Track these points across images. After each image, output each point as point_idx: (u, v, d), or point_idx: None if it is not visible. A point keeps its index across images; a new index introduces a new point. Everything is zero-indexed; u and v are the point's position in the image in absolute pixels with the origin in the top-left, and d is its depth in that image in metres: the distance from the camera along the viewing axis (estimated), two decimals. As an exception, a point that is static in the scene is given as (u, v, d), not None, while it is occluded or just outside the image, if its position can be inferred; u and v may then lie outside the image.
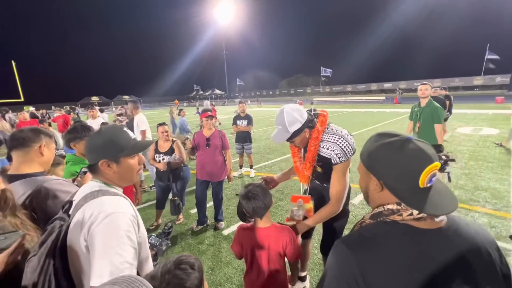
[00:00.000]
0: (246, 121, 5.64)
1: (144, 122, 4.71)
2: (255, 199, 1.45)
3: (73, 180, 1.67)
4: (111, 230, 0.86)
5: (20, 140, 1.35)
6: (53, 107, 19.62)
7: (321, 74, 46.95)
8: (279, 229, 1.52)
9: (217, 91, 55.00)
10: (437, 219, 0.69)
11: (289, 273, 1.71)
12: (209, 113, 3.38)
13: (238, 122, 5.70)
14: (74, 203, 0.97)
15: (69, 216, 0.95)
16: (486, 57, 35.26)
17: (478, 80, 39.39)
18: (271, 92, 65.98)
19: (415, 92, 7.27)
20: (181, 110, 7.60)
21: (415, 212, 0.68)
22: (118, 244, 0.85)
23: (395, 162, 0.69)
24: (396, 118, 13.82)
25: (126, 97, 54.93)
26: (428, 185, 0.67)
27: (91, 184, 1.03)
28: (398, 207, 0.70)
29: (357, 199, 4.14)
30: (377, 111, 18.34)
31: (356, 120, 14.13)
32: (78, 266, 0.89)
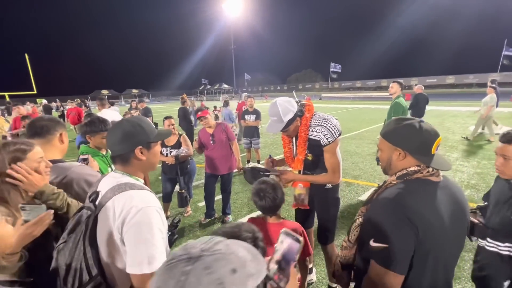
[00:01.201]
0: (255, 116, 5.65)
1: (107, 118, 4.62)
2: (266, 199, 1.44)
3: None
4: (144, 224, 0.91)
5: (44, 128, 1.38)
6: (57, 99, 19.76)
7: (330, 70, 46.21)
8: (289, 225, 1.52)
9: (225, 86, 54.93)
10: (440, 175, 1.01)
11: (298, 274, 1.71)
12: (200, 113, 3.29)
13: (246, 117, 5.72)
14: (100, 194, 1.00)
15: (95, 206, 0.98)
16: (503, 53, 34.02)
17: (494, 77, 38.05)
18: (279, 87, 65.46)
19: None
20: (227, 102, 7.76)
21: (430, 169, 0.98)
22: (152, 236, 0.91)
23: (417, 136, 0.97)
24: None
25: (135, 90, 55.49)
26: (436, 152, 0.99)
27: (114, 175, 1.05)
28: (419, 168, 0.98)
29: (366, 196, 4.11)
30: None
31: (365, 116, 13.92)
32: (110, 255, 0.94)
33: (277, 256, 0.68)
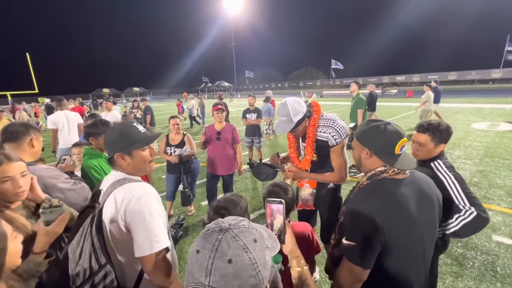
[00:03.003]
0: (256, 114, 5.66)
1: (55, 121, 4.39)
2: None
3: (56, 165, 1.82)
4: (146, 210, 0.99)
5: (13, 134, 1.48)
6: (46, 99, 19.39)
7: (332, 67, 45.96)
8: (298, 227, 1.50)
9: (225, 84, 54.82)
10: (406, 172, 1.08)
11: None
12: (220, 106, 3.40)
13: (247, 115, 5.73)
14: (102, 191, 1.08)
15: (99, 203, 1.05)
16: (506, 49, 33.72)
17: (496, 73, 37.71)
18: (279, 85, 65.28)
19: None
20: (268, 98, 7.94)
21: (396, 169, 1.06)
22: (154, 219, 1.00)
23: (381, 137, 1.05)
24: (408, 112, 13.50)
25: (136, 89, 55.45)
26: (400, 152, 1.06)
27: (113, 174, 1.14)
28: (385, 168, 1.07)
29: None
30: (389, 105, 17.92)
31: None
32: (116, 242, 1.01)
33: (269, 221, 0.87)
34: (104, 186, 1.10)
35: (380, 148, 1.07)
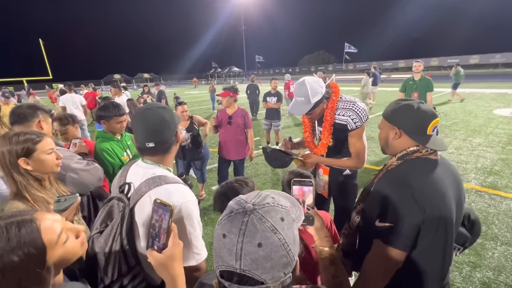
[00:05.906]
0: (276, 98, 5.64)
1: (63, 100, 5.98)
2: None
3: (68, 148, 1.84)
4: (186, 219, 0.92)
5: (21, 116, 1.47)
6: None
7: (345, 50, 44.24)
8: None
9: (235, 69, 54.06)
10: (438, 153, 1.04)
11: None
12: (224, 92, 3.28)
13: (268, 99, 5.73)
14: (132, 186, 0.97)
15: (128, 198, 0.95)
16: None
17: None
18: (290, 70, 63.79)
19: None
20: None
21: (429, 149, 1.01)
22: (194, 229, 0.94)
23: (414, 116, 1.00)
24: (425, 98, 12.93)
25: (146, 75, 55.70)
26: (432, 133, 1.01)
27: (143, 165, 1.02)
28: (418, 148, 1.02)
29: (381, 182, 4.01)
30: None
31: (381, 100, 13.39)
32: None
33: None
34: (132, 178, 0.99)
35: (412, 127, 1.01)
